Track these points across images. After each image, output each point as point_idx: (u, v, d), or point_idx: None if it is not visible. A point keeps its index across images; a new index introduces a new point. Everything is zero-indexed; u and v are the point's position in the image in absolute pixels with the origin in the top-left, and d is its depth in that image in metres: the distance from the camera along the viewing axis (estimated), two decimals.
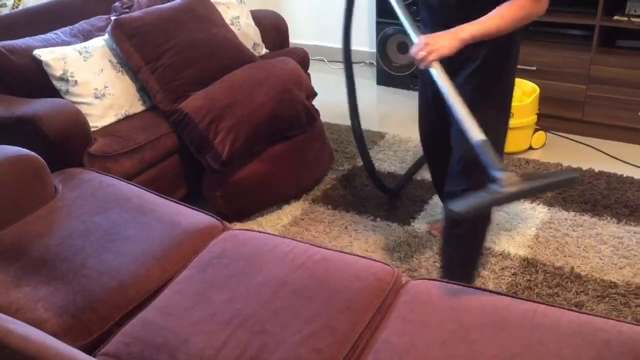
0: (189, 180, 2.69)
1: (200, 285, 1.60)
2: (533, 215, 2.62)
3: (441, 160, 2.17)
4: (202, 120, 2.47)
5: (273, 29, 3.42)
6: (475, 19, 1.76)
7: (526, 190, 1.63)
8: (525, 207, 2.67)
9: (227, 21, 3.02)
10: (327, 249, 1.73)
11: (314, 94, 2.90)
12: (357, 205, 2.77)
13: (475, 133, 1.66)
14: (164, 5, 2.78)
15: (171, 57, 2.60)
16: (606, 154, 3.09)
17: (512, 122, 3.04)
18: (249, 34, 3.18)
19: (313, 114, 2.80)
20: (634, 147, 3.13)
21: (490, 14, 1.75)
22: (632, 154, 3.07)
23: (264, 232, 1.85)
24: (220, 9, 3.01)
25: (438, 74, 1.73)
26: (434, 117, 2.14)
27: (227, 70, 2.70)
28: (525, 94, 3.14)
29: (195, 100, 2.52)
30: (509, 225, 2.57)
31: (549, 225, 2.55)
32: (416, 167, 2.99)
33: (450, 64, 1.79)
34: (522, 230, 2.53)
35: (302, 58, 3.31)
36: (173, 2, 2.82)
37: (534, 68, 3.23)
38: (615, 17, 3.05)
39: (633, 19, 3.00)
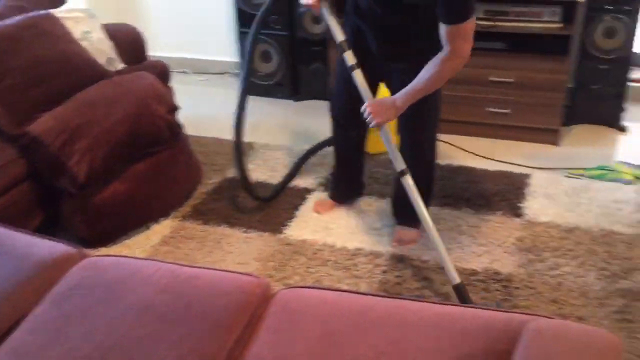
0: (45, 207, 2.52)
1: (56, 321, 1.49)
2: None
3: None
4: (54, 142, 2.32)
5: (129, 42, 3.29)
6: (415, 31, 2.12)
7: None
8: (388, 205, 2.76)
9: (77, 36, 2.87)
10: (194, 267, 1.68)
11: (175, 108, 2.83)
12: (228, 218, 2.73)
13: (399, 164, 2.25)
14: (1, 23, 2.58)
15: (14, 78, 2.42)
16: (462, 149, 3.29)
17: None
18: (102, 49, 3.03)
19: (176, 128, 2.73)
20: (486, 140, 3.36)
21: (421, 74, 2.06)
22: (485, 147, 3.28)
23: (126, 256, 1.77)
24: (68, 23, 2.85)
25: (386, 133, 2.23)
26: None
27: (80, 88, 2.56)
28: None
29: (45, 121, 2.37)
30: (378, 224, 2.65)
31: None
32: (290, 175, 3.02)
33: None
34: (388, 227, 2.62)
35: (162, 71, 3.22)
36: (13, 19, 2.63)
37: None
38: None
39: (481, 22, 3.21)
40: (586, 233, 2.52)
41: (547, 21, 3.14)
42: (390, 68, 2.30)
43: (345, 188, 2.83)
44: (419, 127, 2.38)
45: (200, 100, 4.08)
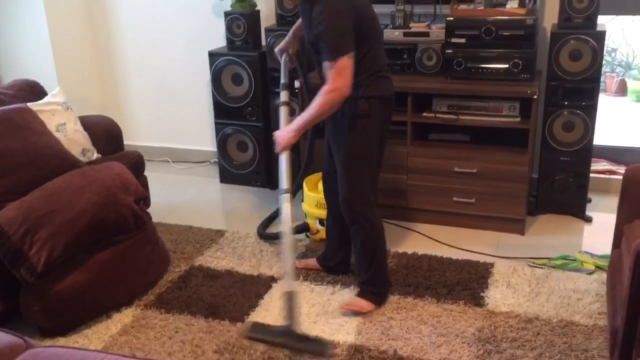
0: (5, 296, 2.52)
1: None
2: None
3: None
4: (16, 232, 2.37)
5: (105, 133, 3.42)
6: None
7: (269, 341, 2.30)
8: (343, 292, 2.77)
9: (52, 128, 2.98)
10: (140, 359, 1.68)
11: (143, 197, 2.89)
12: (191, 307, 2.73)
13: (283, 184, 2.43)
14: None
15: None
16: (429, 237, 3.33)
17: (321, 212, 3.21)
18: (77, 140, 3.14)
19: (142, 217, 2.78)
20: (452, 229, 3.41)
21: (310, 105, 2.40)
22: (451, 236, 3.33)
23: (71, 347, 1.76)
24: (44, 116, 2.97)
25: (282, 160, 2.45)
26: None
27: (48, 178, 2.63)
28: None
29: (9, 210, 2.42)
30: (337, 312, 2.65)
31: (375, 310, 2.66)
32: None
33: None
34: (349, 316, 2.62)
35: (137, 161, 3.32)
36: None
37: None
38: (424, 114, 3.39)
39: (438, 115, 3.35)
40: (546, 324, 2.52)
41: (507, 115, 3.27)
42: None
43: (332, 256, 2.93)
44: (341, 185, 2.60)
45: (177, 188, 4.16)
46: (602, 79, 6.41)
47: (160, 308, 2.73)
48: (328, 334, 2.51)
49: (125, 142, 3.63)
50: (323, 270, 2.96)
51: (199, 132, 4.50)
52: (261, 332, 2.31)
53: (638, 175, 2.49)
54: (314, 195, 3.26)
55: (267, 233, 3.36)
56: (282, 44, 2.87)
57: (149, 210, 2.99)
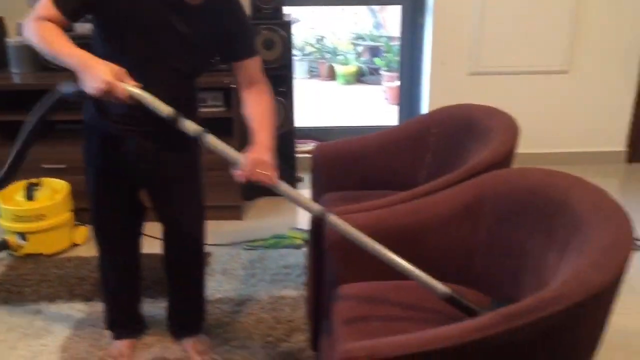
0: None
1: None
2: None
3: None
4: None
5: None
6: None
7: None
8: None
9: None
10: None
11: None
12: None
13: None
14: None
15: None
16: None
17: (46, 222, 2.97)
18: None
19: None
20: None
21: (261, 113, 1.92)
22: None
23: None
24: None
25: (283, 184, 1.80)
26: None
27: None
28: (56, 191, 3.09)
29: None
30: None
31: None
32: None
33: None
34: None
35: None
36: None
37: (64, 166, 3.22)
38: None
39: None
40: (257, 303, 2.63)
41: (212, 105, 3.32)
42: None
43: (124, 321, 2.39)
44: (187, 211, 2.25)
45: None
46: (314, 66, 6.97)
47: None
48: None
49: None
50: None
51: None
52: None
53: (324, 151, 2.72)
54: (12, 209, 2.95)
55: None
56: (109, 71, 1.65)
57: None
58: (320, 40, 7.06)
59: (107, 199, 2.13)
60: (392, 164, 2.67)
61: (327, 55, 7.01)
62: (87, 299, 2.66)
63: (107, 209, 2.15)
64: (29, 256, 2.99)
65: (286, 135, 3.59)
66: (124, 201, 2.15)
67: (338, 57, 6.96)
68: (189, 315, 2.37)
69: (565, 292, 1.30)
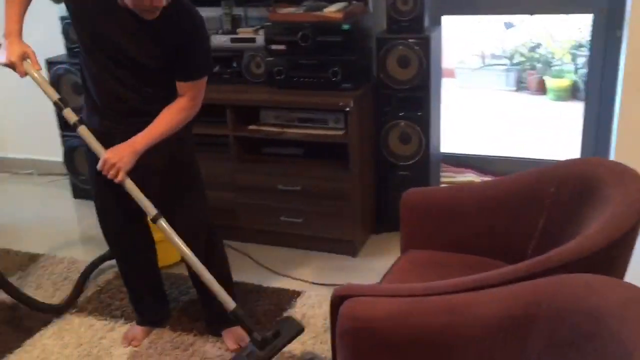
0: None
1: None
2: None
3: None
4: None
5: None
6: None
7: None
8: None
9: None
10: None
11: None
12: None
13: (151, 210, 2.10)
14: None
15: None
16: (251, 258, 3.10)
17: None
18: None
19: None
20: (281, 250, 3.16)
21: (156, 121, 2.07)
22: (277, 257, 3.09)
23: None
24: None
25: (131, 188, 2.04)
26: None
27: None
28: None
29: None
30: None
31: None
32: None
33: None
34: None
35: None
36: None
37: None
38: (251, 127, 3.12)
39: (262, 128, 3.09)
40: None
41: (332, 128, 3.00)
42: None
43: (148, 308, 2.55)
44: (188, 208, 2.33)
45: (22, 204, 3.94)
46: (524, 76, 6.15)
47: None
48: None
49: None
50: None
51: (51, 143, 4.18)
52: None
53: (413, 199, 2.24)
54: None
55: None
56: (16, 51, 2.02)
57: None
58: (534, 48, 6.21)
59: (108, 201, 2.27)
60: (496, 226, 2.09)
61: (539, 66, 6.13)
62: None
63: (110, 213, 2.31)
64: None
65: (420, 166, 3.11)
66: (125, 204, 2.16)
67: (552, 67, 6.04)
68: (219, 305, 2.21)
69: None
